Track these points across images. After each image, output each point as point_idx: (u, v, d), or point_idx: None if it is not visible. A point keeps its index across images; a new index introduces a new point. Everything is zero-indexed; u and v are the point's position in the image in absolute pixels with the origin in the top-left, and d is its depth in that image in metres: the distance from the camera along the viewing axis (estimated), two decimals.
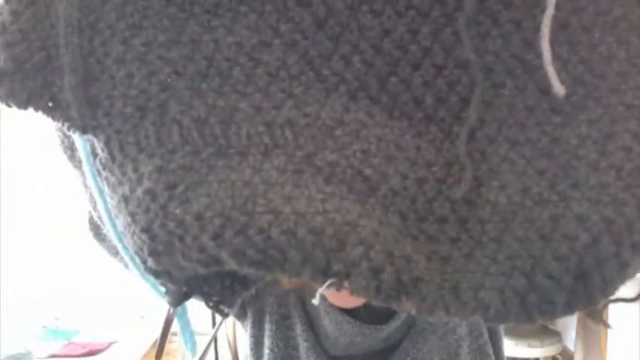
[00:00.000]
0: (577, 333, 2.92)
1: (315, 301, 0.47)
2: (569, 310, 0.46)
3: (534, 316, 0.46)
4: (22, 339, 2.32)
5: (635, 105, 0.48)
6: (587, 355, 2.68)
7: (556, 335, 3.05)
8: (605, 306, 0.54)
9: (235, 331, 2.18)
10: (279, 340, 0.95)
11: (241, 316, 1.02)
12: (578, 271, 0.45)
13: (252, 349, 0.99)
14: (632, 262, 0.46)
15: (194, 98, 0.52)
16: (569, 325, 3.13)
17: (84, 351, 2.34)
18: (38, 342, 2.40)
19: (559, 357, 3.20)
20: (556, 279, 0.45)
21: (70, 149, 0.64)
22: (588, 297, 0.46)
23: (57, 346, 2.38)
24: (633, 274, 0.49)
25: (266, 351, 0.96)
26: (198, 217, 0.48)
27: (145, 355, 2.34)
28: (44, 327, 2.56)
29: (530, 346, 2.91)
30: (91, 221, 0.77)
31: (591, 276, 0.45)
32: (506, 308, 0.46)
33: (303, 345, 0.94)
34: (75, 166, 0.66)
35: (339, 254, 0.47)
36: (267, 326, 0.97)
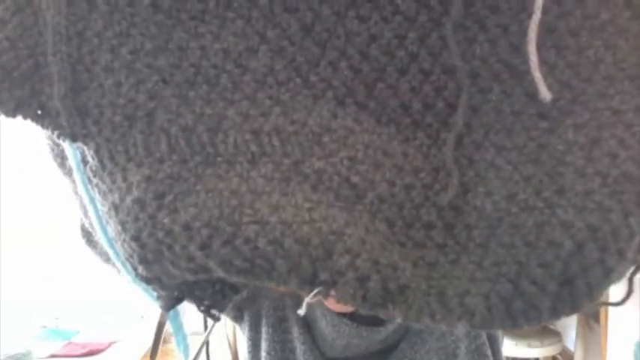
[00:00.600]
0: (577, 333, 2.93)
1: (301, 311, 0.47)
2: (554, 315, 0.47)
3: (520, 322, 0.46)
4: (22, 339, 2.32)
5: (621, 110, 0.48)
6: (587, 355, 2.68)
7: (556, 335, 3.06)
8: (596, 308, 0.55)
9: (235, 332, 2.19)
10: (276, 343, 0.95)
11: (238, 319, 1.02)
12: (563, 278, 0.46)
13: (249, 352, 0.99)
14: (617, 268, 0.46)
15: (181, 106, 0.52)
16: (569, 325, 3.13)
17: (84, 351, 2.34)
18: (38, 342, 2.40)
19: (559, 357, 3.20)
20: (541, 285, 0.46)
21: (60, 157, 0.64)
22: (573, 303, 0.46)
23: (57, 346, 2.39)
24: (619, 279, 0.49)
25: (263, 354, 0.96)
26: (186, 227, 0.48)
27: (145, 355, 2.35)
28: (44, 327, 2.57)
29: (530, 346, 2.91)
30: (83, 228, 0.77)
31: (576, 282, 0.45)
32: (491, 314, 0.46)
33: (300, 348, 0.94)
34: (65, 174, 0.66)
35: (325, 263, 0.47)
36: (263, 329, 0.97)
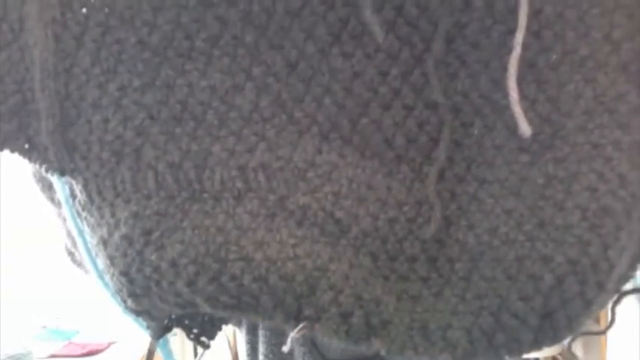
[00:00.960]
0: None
1: (286, 348, 0.48)
2: (536, 347, 0.48)
3: (502, 355, 0.48)
4: (22, 339, 2.32)
5: (601, 144, 0.49)
6: (587, 355, 2.68)
7: None
8: (574, 339, 0.56)
9: (235, 333, 2.20)
10: (274, 345, 0.96)
11: (237, 323, 1.02)
12: (544, 311, 0.47)
13: (248, 355, 1.00)
14: (597, 300, 0.47)
15: (168, 143, 0.53)
16: None
17: (84, 351, 2.35)
18: (38, 342, 2.41)
19: (559, 357, 3.20)
20: (522, 318, 0.47)
21: (42, 182, 0.66)
22: (554, 335, 0.47)
23: (57, 346, 2.39)
24: (600, 309, 0.50)
25: (261, 357, 0.97)
26: (173, 263, 0.49)
27: (145, 356, 2.36)
28: (44, 327, 2.57)
29: None
30: (66, 248, 0.78)
31: (556, 315, 0.47)
32: (473, 347, 0.47)
33: (298, 350, 0.94)
34: (48, 198, 0.67)
35: (309, 299, 0.48)
36: (261, 332, 0.98)
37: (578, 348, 2.91)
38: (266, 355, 0.96)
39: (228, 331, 2.21)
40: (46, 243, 2.91)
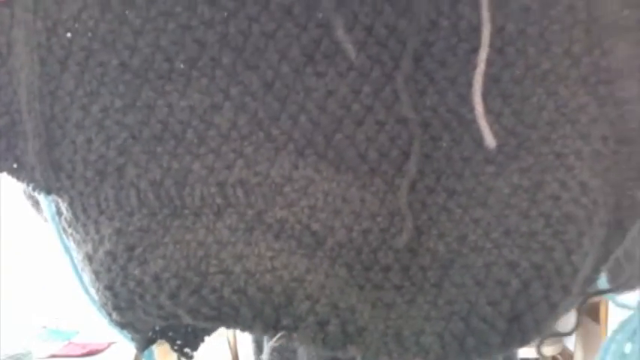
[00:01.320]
0: (577, 333, 2.94)
1: (265, 357, 0.51)
2: (505, 349, 0.50)
3: (472, 358, 0.50)
4: (22, 339, 2.33)
5: (563, 153, 0.51)
6: (587, 355, 2.70)
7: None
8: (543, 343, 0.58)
9: (235, 333, 2.21)
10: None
11: None
12: (511, 315, 0.49)
13: (255, 353, 1.02)
14: (562, 303, 0.49)
15: (150, 161, 0.55)
16: (569, 326, 3.12)
17: (84, 351, 2.37)
18: (38, 342, 2.42)
19: (559, 357, 3.22)
20: (490, 323, 0.49)
21: (32, 199, 0.68)
22: (522, 337, 0.50)
23: (57, 346, 2.41)
24: (567, 311, 0.52)
25: (264, 357, 0.99)
26: (156, 277, 0.51)
27: (144, 356, 2.37)
28: (44, 327, 2.58)
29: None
30: None
31: (523, 318, 0.49)
32: (445, 352, 0.50)
33: (302, 348, 0.96)
34: (38, 211, 0.69)
35: (287, 310, 0.51)
36: None
37: (578, 347, 2.93)
38: (270, 354, 0.98)
39: (228, 331, 2.23)
40: (47, 243, 2.91)
